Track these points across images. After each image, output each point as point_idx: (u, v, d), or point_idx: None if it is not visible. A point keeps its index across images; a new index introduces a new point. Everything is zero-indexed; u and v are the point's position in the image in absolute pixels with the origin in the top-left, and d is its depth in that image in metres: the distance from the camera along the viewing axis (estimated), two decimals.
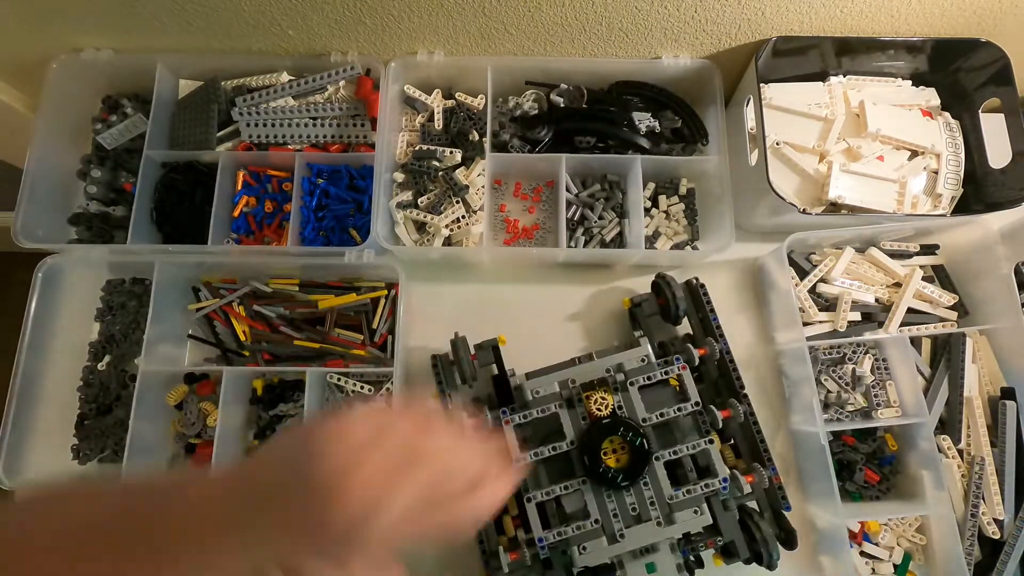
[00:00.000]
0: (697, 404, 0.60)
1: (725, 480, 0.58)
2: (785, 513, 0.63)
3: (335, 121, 0.78)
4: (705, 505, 0.58)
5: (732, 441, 0.66)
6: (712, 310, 0.69)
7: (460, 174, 0.77)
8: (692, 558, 0.61)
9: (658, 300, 0.71)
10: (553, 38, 0.76)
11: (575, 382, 0.61)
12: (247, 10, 0.70)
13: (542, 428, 0.62)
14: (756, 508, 0.63)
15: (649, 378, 0.61)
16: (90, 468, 0.73)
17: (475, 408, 0.66)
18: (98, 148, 0.79)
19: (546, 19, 0.72)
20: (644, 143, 0.78)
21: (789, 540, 0.61)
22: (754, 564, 0.60)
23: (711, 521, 0.59)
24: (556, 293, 0.80)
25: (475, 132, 0.78)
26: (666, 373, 0.61)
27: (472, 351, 0.67)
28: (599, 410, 0.60)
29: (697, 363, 0.64)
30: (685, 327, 0.74)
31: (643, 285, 0.80)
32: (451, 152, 0.77)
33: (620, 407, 0.60)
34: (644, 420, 0.59)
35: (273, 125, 0.77)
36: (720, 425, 0.61)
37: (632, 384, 0.61)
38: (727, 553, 0.61)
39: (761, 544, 0.58)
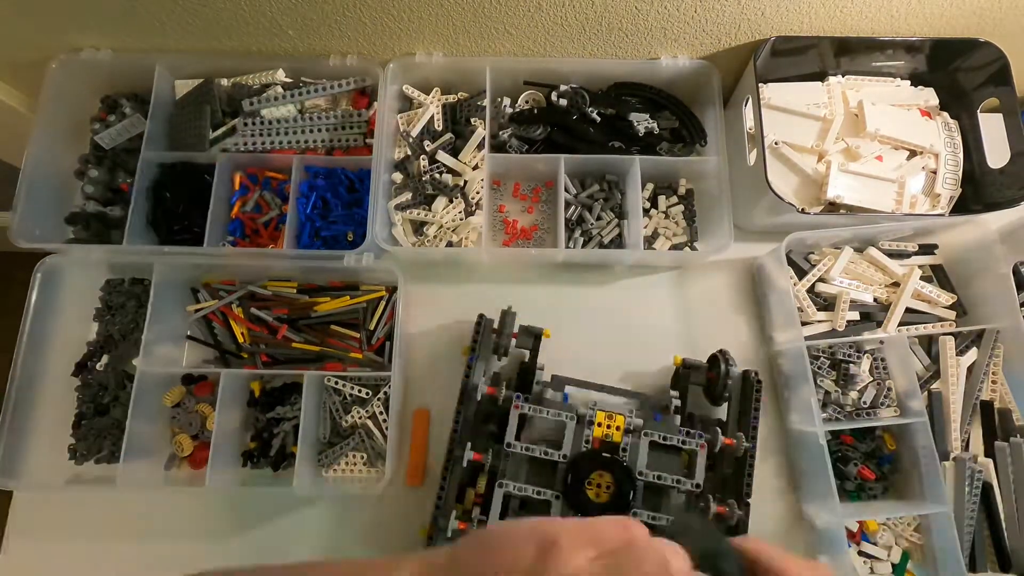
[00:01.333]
0: (698, 487, 0.60)
1: None
2: None
3: (333, 127, 0.79)
4: None
5: None
6: (757, 409, 0.67)
7: (460, 161, 0.79)
8: None
9: (708, 374, 0.70)
10: (552, 38, 0.77)
11: (595, 405, 0.62)
12: (247, 10, 0.71)
13: (545, 431, 0.63)
14: None
15: (665, 438, 0.61)
16: (86, 468, 0.74)
17: (492, 382, 0.66)
18: (96, 148, 0.80)
19: (545, 19, 0.73)
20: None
21: None
22: None
23: None
24: (555, 294, 0.81)
25: (477, 119, 0.79)
26: (683, 443, 0.61)
27: (516, 330, 0.68)
28: (604, 441, 0.60)
29: (717, 450, 0.62)
30: (719, 413, 0.72)
31: (643, 286, 0.82)
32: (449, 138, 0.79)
33: (624, 449, 0.60)
34: (641, 473, 0.59)
35: (271, 134, 0.78)
36: (710, 517, 0.60)
37: (646, 435, 0.61)
38: None
39: None
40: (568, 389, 0.70)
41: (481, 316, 0.69)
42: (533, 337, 0.70)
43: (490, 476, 0.61)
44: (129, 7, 0.71)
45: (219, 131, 0.78)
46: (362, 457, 0.74)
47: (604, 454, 0.59)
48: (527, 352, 0.70)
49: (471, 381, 0.66)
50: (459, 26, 0.74)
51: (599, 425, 0.61)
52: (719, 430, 0.63)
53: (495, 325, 0.69)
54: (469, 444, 0.61)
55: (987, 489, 0.69)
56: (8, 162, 0.97)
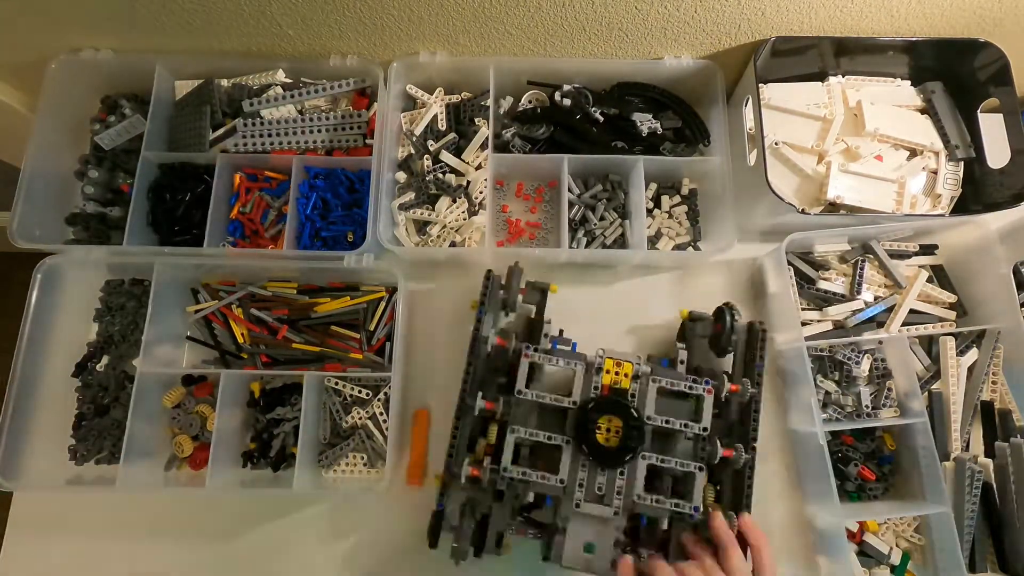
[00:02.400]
0: (705, 431, 0.61)
1: (696, 509, 0.59)
2: None
3: (333, 127, 0.80)
4: (667, 520, 0.60)
5: (719, 487, 0.65)
6: (763, 358, 0.67)
7: (463, 161, 0.80)
8: None
9: (715, 326, 0.72)
10: (553, 38, 0.78)
11: (604, 353, 0.63)
12: (247, 10, 0.72)
13: (553, 385, 0.64)
14: None
15: (671, 383, 0.62)
16: (87, 469, 0.75)
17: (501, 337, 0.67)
18: (96, 148, 0.81)
19: (546, 19, 0.74)
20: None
21: None
22: None
23: (665, 535, 0.60)
24: (558, 294, 0.81)
25: (481, 119, 0.80)
26: (690, 388, 0.62)
27: (524, 286, 0.70)
28: (613, 387, 0.61)
29: (724, 397, 0.63)
30: (724, 367, 0.73)
31: (646, 286, 0.83)
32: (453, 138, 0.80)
33: (633, 395, 0.62)
34: (649, 418, 0.61)
35: (271, 134, 0.79)
36: (716, 459, 0.61)
37: (654, 381, 0.62)
38: None
39: None
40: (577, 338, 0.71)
41: (489, 272, 0.70)
42: (540, 292, 0.72)
43: (500, 426, 0.63)
44: (129, 7, 0.72)
45: (219, 131, 0.79)
46: (362, 458, 0.75)
47: (613, 398, 0.60)
48: (533, 308, 0.73)
49: (480, 333, 0.66)
50: (459, 26, 0.75)
51: (607, 372, 0.62)
52: (725, 377, 0.64)
53: (503, 281, 0.71)
54: (480, 393, 0.62)
55: (987, 489, 0.70)
56: (8, 162, 0.97)
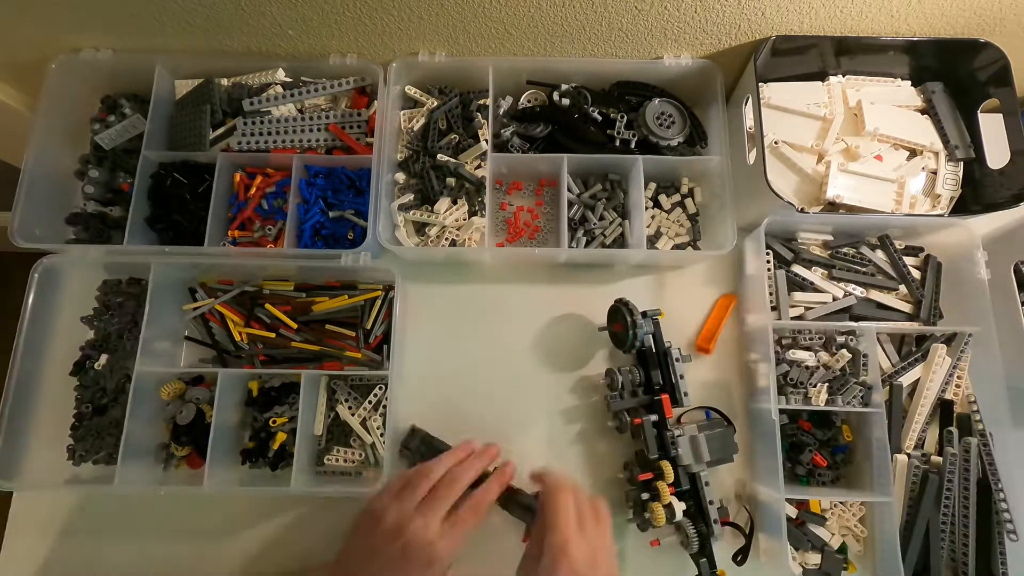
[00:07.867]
0: None
1: None
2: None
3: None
4: None
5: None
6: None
7: (462, 161, 0.82)
8: None
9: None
10: (553, 38, 0.80)
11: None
12: (247, 10, 0.75)
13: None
14: None
15: None
16: (85, 468, 0.77)
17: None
18: (96, 148, 0.85)
19: (546, 19, 0.77)
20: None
21: None
22: None
23: None
24: (557, 294, 0.84)
25: (479, 115, 0.83)
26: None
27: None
28: None
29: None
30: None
31: (645, 285, 0.86)
32: (452, 138, 0.83)
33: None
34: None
35: (271, 134, 0.82)
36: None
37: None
38: None
39: None
40: None
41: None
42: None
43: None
44: (129, 7, 0.75)
45: (219, 131, 0.82)
46: (360, 455, 0.76)
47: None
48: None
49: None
50: (459, 26, 0.78)
51: None
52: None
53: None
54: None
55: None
56: (8, 162, 0.99)
